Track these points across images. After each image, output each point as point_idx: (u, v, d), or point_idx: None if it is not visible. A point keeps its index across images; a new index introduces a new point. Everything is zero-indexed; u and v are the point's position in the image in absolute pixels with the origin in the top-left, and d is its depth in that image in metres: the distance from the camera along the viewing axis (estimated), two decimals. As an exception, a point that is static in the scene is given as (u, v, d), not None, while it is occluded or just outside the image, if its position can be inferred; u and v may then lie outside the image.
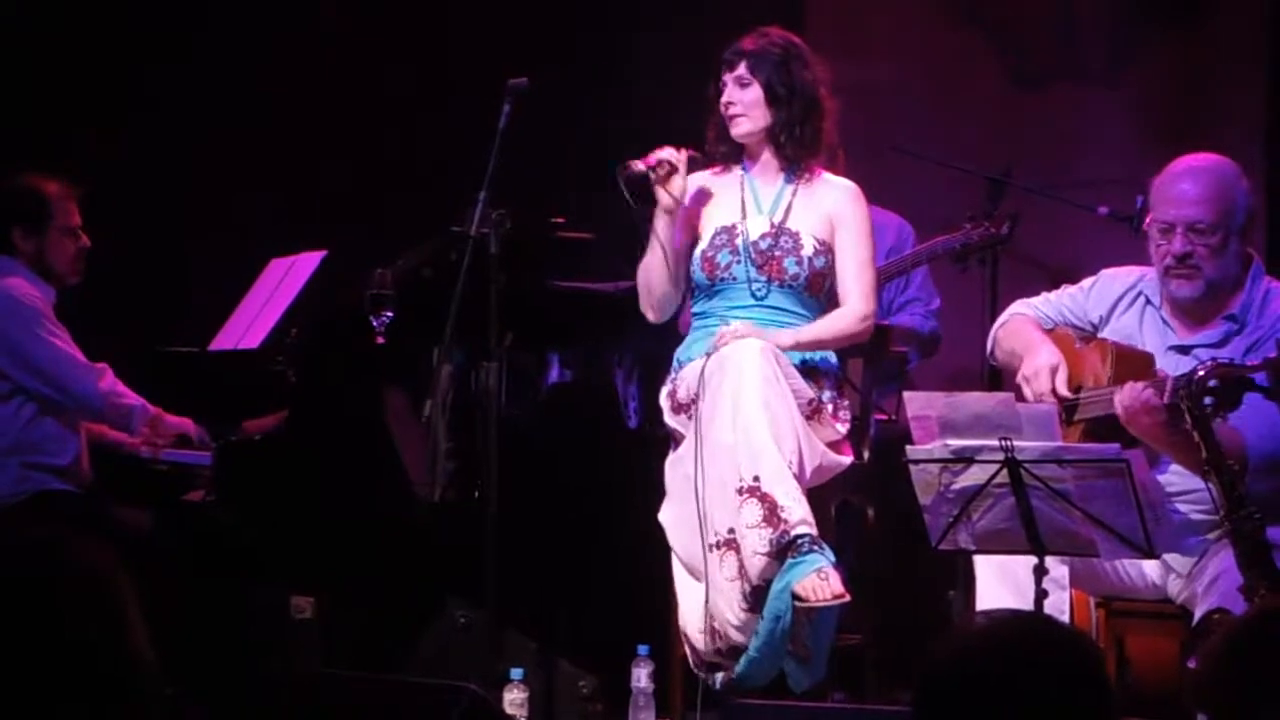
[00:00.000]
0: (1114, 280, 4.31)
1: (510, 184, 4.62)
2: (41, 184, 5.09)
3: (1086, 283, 4.35)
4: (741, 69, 4.64)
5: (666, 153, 4.62)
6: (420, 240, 5.11)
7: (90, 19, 6.37)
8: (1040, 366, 4.13)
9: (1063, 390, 4.10)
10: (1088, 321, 4.30)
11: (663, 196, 4.63)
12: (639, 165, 4.60)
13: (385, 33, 6.63)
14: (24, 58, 6.29)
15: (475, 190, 4.59)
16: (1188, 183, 4.08)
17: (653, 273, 4.70)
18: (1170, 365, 4.02)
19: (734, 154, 4.75)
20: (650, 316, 4.76)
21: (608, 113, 6.35)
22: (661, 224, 4.66)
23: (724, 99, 4.65)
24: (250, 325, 5.31)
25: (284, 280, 5.35)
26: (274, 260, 5.51)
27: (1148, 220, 4.15)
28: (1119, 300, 4.26)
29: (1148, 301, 4.21)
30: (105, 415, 5.08)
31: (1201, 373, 3.68)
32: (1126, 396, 3.89)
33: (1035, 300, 4.39)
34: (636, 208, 4.59)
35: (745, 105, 4.65)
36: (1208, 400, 3.64)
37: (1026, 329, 4.29)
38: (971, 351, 4.70)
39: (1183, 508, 4.03)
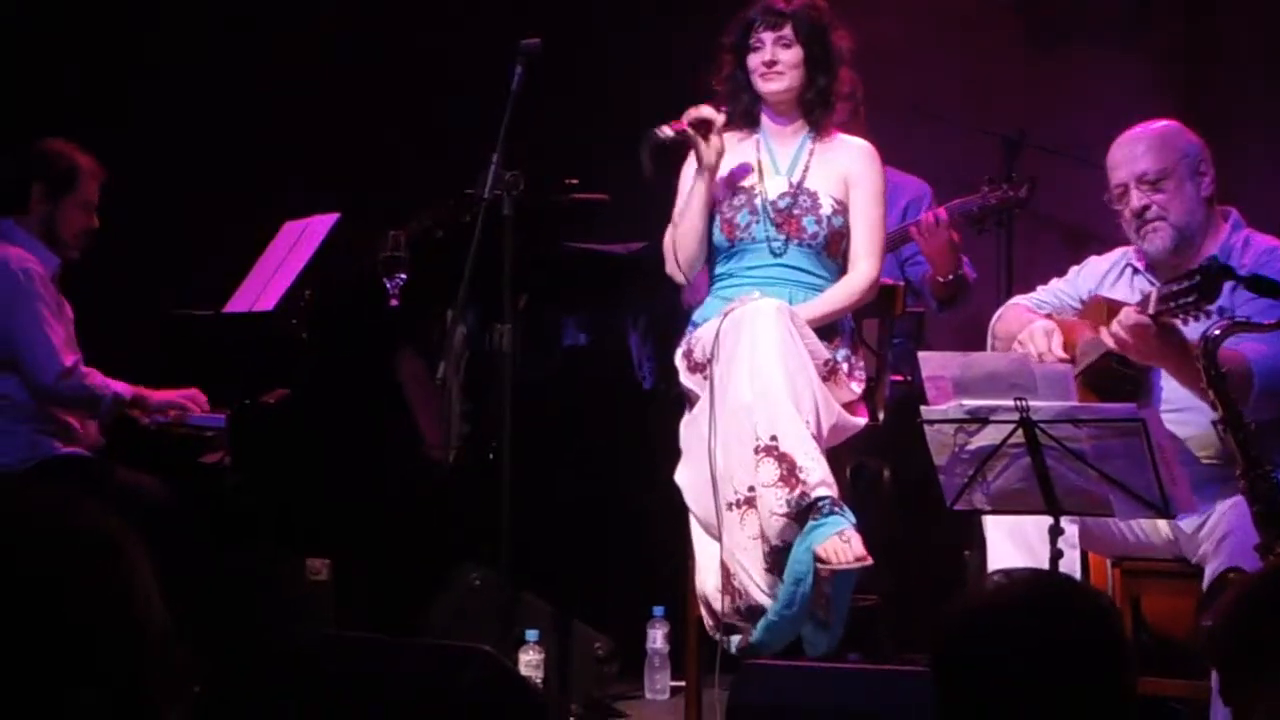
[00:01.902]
0: (1099, 260, 4.39)
1: (524, 145, 4.61)
2: (75, 153, 5.04)
3: (1073, 269, 4.41)
4: (787, 30, 4.66)
5: (706, 111, 4.62)
6: (434, 203, 5.10)
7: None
8: (1034, 330, 4.14)
9: (1058, 352, 4.10)
10: (1080, 300, 4.33)
11: (706, 154, 4.63)
12: (674, 128, 4.59)
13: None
14: (28, 52, 6.26)
15: (489, 152, 4.58)
16: (1129, 145, 4.18)
17: (688, 235, 4.69)
18: None
19: (753, 107, 4.75)
20: (679, 278, 4.74)
21: (622, 73, 6.33)
22: (703, 182, 4.66)
23: (764, 57, 4.67)
24: (265, 288, 5.30)
25: (298, 243, 5.34)
26: (287, 223, 5.50)
27: (1107, 195, 4.18)
28: (1106, 274, 4.33)
29: (1135, 271, 4.26)
30: (62, 405, 4.98)
31: (1213, 328, 3.67)
32: (1114, 325, 3.91)
33: (1029, 294, 4.41)
34: (658, 176, 4.57)
35: (785, 65, 4.67)
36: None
37: (1019, 313, 4.31)
38: (986, 312, 4.68)
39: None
